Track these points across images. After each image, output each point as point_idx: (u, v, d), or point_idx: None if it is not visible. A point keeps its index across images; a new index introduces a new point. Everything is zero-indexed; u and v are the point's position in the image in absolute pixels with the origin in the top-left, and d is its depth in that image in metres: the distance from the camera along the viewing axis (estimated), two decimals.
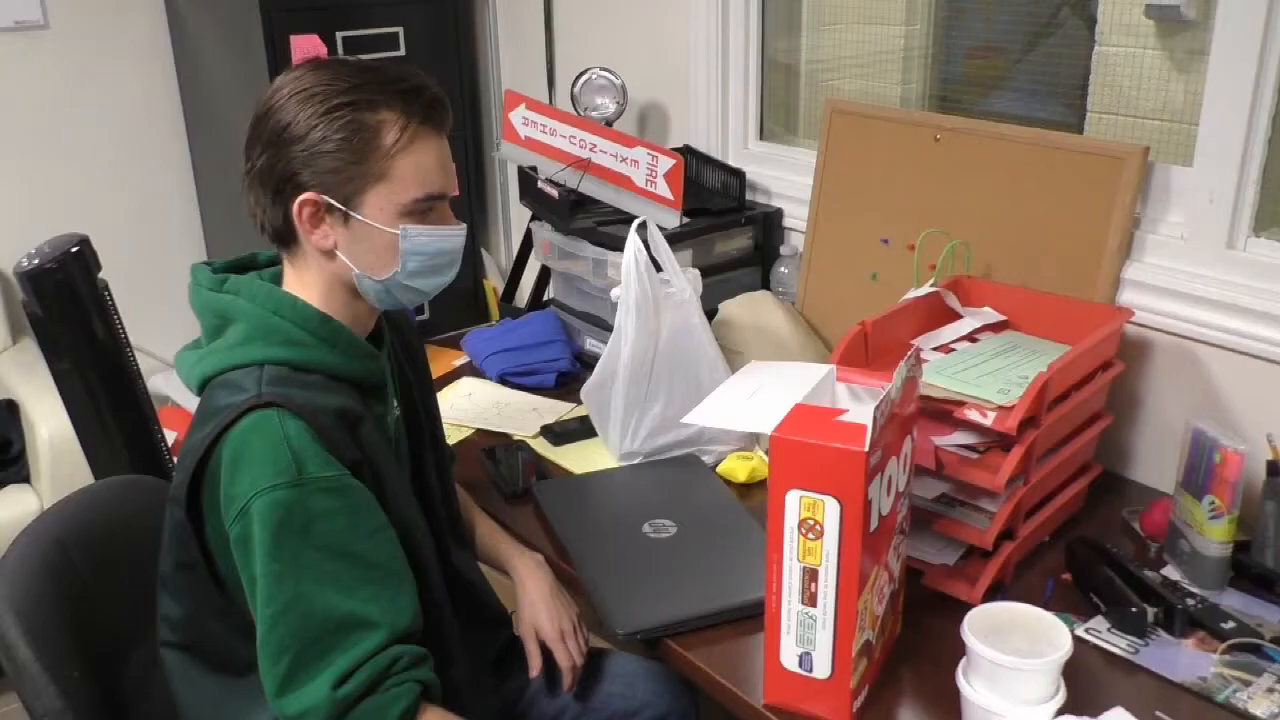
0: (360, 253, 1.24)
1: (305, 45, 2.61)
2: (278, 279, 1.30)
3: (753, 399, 1.28)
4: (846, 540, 1.11)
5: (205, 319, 1.26)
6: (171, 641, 1.27)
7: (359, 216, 1.22)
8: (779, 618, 1.18)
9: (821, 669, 1.17)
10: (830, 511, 1.11)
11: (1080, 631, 1.33)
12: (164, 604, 1.27)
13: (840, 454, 1.08)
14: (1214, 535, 1.39)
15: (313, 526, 1.11)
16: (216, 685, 1.25)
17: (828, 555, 1.12)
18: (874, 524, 1.14)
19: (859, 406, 1.27)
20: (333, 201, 1.21)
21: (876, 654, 1.24)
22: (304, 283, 1.27)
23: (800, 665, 1.18)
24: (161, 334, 3.16)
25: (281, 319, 1.22)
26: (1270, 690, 1.22)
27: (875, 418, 1.09)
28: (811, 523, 1.12)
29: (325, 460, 1.14)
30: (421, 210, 1.24)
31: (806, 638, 1.16)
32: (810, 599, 1.14)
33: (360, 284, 1.26)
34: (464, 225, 1.29)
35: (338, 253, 1.23)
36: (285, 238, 1.25)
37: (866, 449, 1.07)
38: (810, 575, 1.13)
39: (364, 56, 2.60)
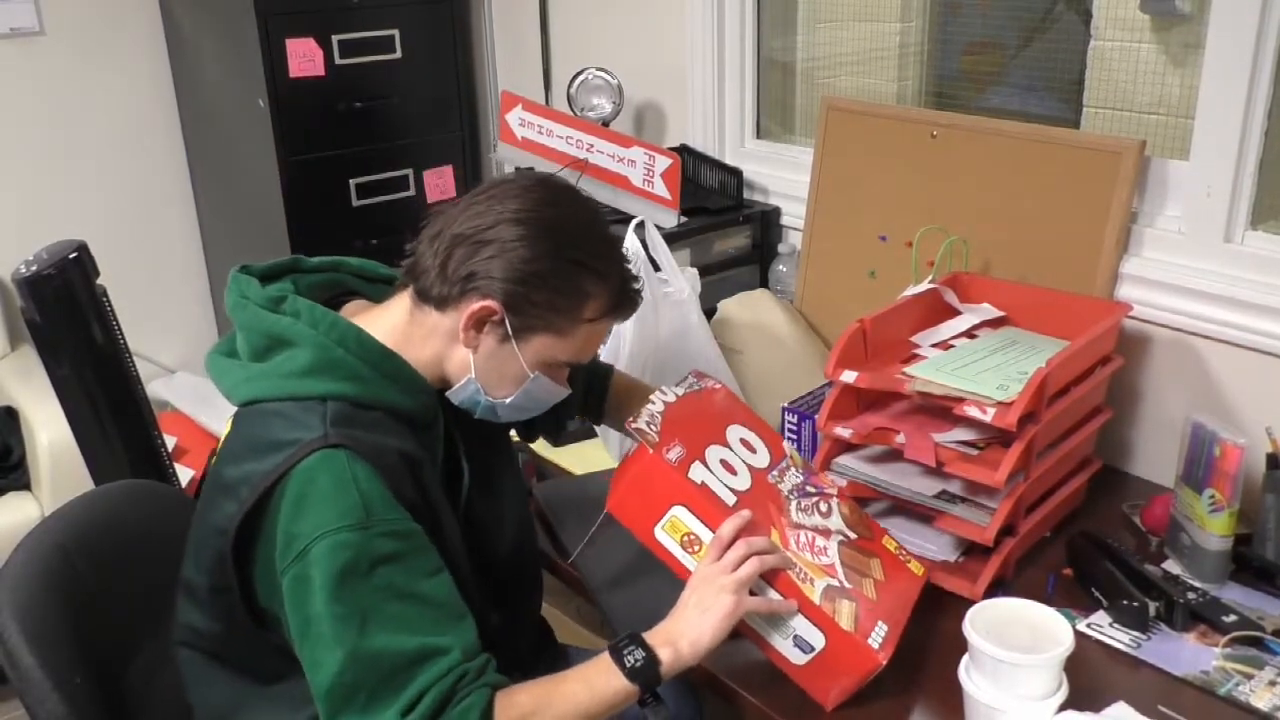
0: (489, 369, 1.23)
1: (301, 49, 2.61)
2: (318, 290, 1.28)
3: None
4: (714, 527, 1.20)
5: (252, 336, 1.22)
6: (194, 644, 1.26)
7: (515, 347, 1.22)
8: (756, 634, 1.22)
9: (815, 638, 1.20)
10: (685, 517, 1.21)
11: (1082, 626, 1.33)
12: (188, 613, 1.25)
13: (644, 473, 1.22)
14: (1214, 529, 1.39)
15: (377, 570, 1.09)
16: (239, 688, 1.24)
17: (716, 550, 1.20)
18: (730, 500, 1.23)
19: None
20: (508, 326, 1.20)
21: (871, 594, 1.25)
22: (412, 339, 1.24)
23: (802, 650, 1.21)
24: (161, 339, 3.17)
25: (346, 352, 1.19)
26: (1272, 683, 1.22)
27: (644, 429, 1.23)
28: (688, 538, 1.22)
29: (390, 503, 1.12)
30: (556, 365, 1.27)
31: (779, 625, 1.21)
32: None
33: (464, 385, 1.25)
34: (569, 391, 1.32)
35: (471, 354, 1.23)
36: (437, 304, 1.22)
37: (653, 452, 1.21)
38: None
39: (361, 59, 2.65)
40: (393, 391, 1.21)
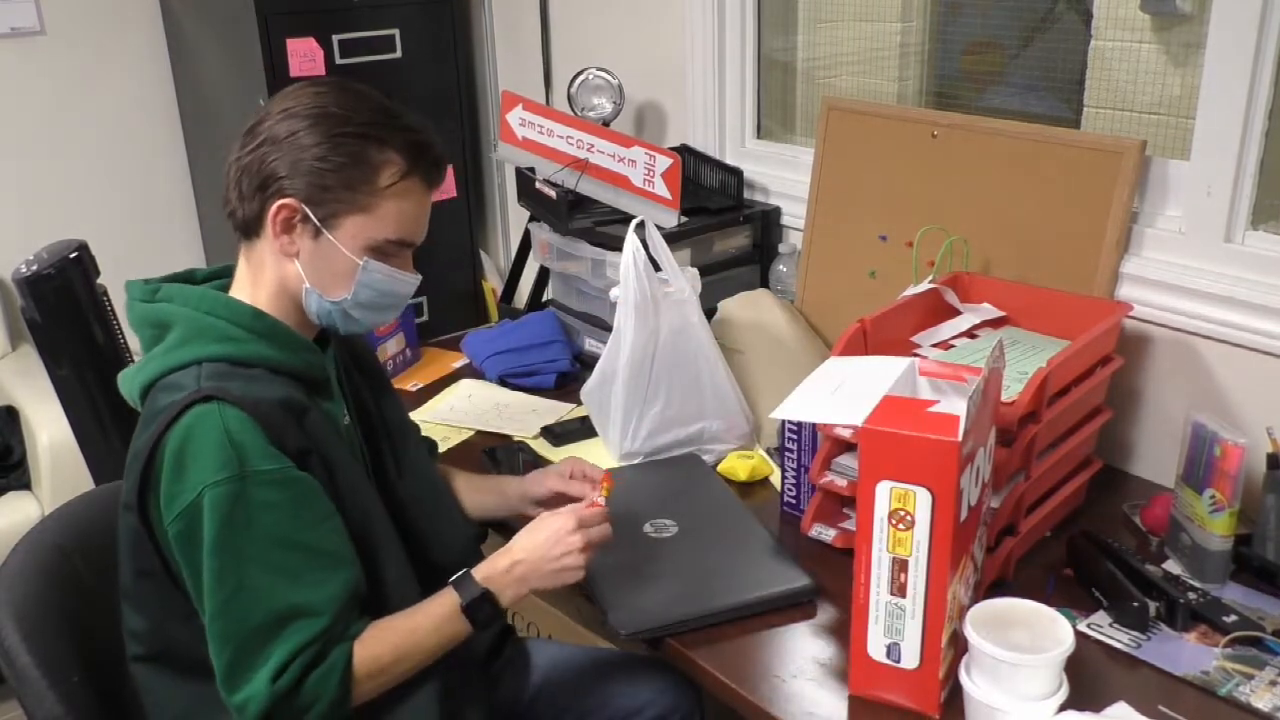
0: (318, 269, 1.26)
1: (301, 49, 2.61)
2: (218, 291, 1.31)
3: (836, 393, 1.29)
4: (938, 531, 1.11)
5: (143, 332, 1.27)
6: (139, 655, 1.27)
7: (330, 237, 1.24)
8: (867, 608, 1.18)
9: (910, 659, 1.17)
10: (922, 502, 1.11)
11: (1082, 626, 1.33)
12: (128, 617, 1.27)
13: (934, 445, 1.09)
14: (1215, 529, 1.39)
15: (256, 520, 1.13)
16: (187, 692, 1.25)
17: (918, 546, 1.13)
18: (964, 514, 1.14)
19: (941, 399, 1.27)
20: (310, 214, 1.23)
21: (962, 644, 1.22)
22: (255, 280, 1.28)
23: (888, 655, 1.18)
24: None
25: (215, 318, 1.23)
26: (1273, 683, 1.22)
27: (969, 409, 1.10)
28: (902, 513, 1.12)
29: (267, 453, 1.15)
30: (388, 251, 1.27)
31: (895, 628, 1.17)
32: (899, 589, 1.15)
33: (306, 297, 1.27)
34: (419, 276, 1.32)
35: (296, 262, 1.25)
36: (251, 230, 1.27)
37: (960, 439, 1.08)
38: (900, 566, 1.14)
39: (362, 59, 2.65)
40: (270, 348, 1.24)
